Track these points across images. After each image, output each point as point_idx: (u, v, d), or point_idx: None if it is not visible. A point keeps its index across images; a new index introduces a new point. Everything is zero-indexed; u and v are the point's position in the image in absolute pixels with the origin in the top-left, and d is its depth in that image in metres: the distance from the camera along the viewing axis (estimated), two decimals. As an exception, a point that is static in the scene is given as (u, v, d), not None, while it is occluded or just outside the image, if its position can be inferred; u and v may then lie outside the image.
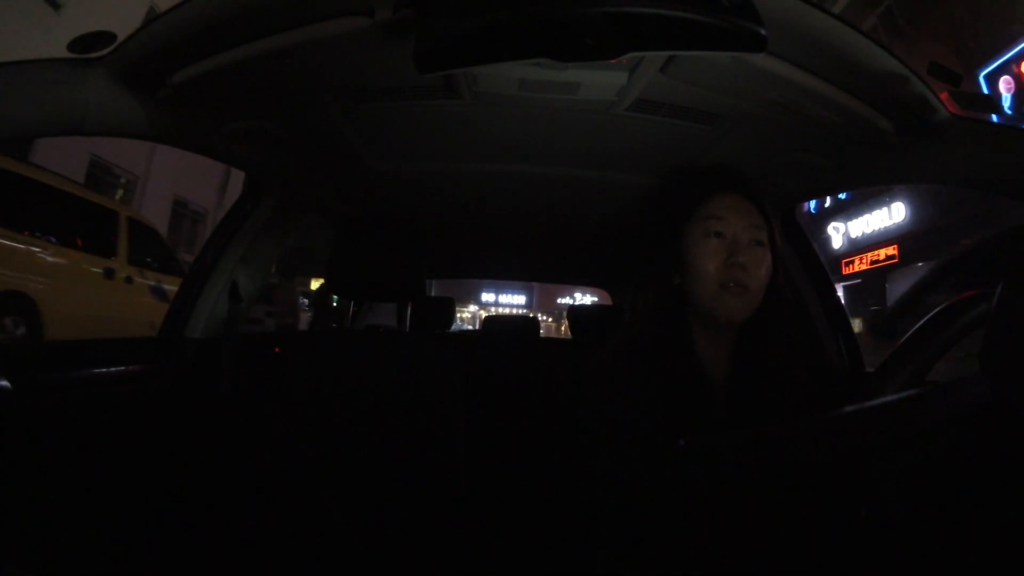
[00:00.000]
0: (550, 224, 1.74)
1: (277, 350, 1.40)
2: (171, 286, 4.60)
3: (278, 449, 1.04)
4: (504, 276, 2.90)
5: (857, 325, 1.48)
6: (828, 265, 1.56)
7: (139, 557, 0.94)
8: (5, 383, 0.75)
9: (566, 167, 1.27)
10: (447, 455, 1.08)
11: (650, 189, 1.32)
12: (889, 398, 0.57)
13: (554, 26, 0.56)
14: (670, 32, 0.56)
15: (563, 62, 0.59)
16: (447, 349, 1.15)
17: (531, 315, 3.53)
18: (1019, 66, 7.31)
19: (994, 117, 0.84)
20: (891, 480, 0.45)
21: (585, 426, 0.74)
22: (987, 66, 7.55)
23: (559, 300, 23.46)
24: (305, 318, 6.93)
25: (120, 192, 8.33)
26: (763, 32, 0.54)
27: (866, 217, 10.13)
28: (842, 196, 9.96)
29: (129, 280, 4.39)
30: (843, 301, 1.39)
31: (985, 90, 7.09)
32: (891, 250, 9.32)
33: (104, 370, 1.06)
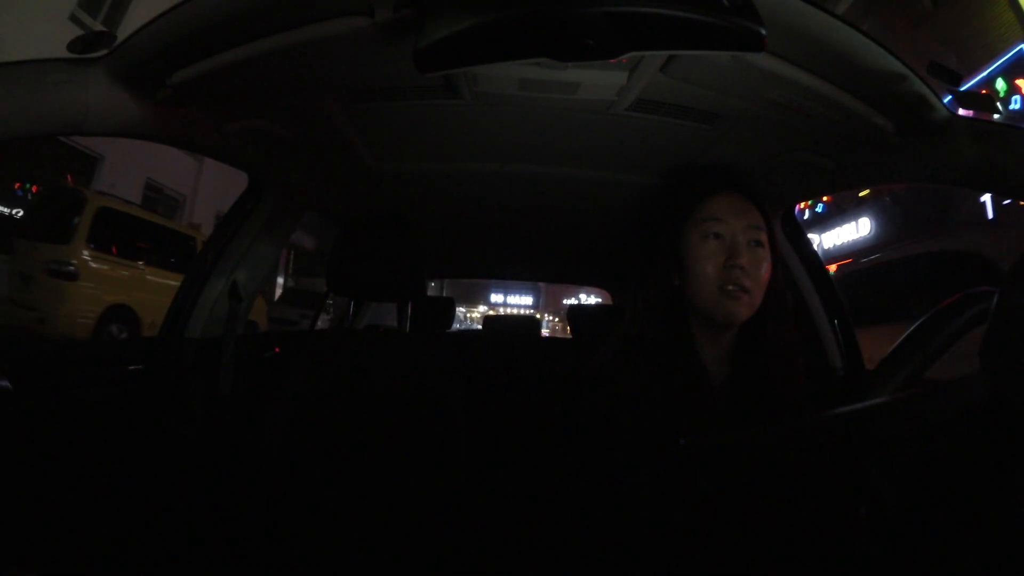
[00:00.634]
0: (550, 224, 1.74)
1: (277, 350, 1.40)
2: None
3: (278, 449, 1.04)
4: (504, 276, 2.91)
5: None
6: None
7: (140, 557, 0.94)
8: (5, 383, 0.75)
9: (566, 167, 1.27)
10: (447, 455, 1.08)
11: (650, 189, 1.31)
12: (889, 398, 0.57)
13: (554, 26, 0.56)
14: (670, 32, 0.56)
15: (563, 62, 0.59)
16: (447, 349, 1.15)
17: (534, 315, 3.54)
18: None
19: (994, 117, 0.84)
20: (891, 480, 0.45)
21: (585, 425, 0.74)
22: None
23: (564, 301, 23.89)
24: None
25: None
26: (763, 32, 0.54)
27: (837, 230, 10.73)
28: (819, 209, 10.47)
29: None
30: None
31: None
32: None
33: (104, 370, 1.06)
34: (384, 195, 1.50)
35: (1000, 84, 7.01)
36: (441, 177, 1.39)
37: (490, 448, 1.20)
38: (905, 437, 0.45)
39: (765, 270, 0.74)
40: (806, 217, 11.32)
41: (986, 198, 7.85)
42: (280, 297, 10.25)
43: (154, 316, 4.60)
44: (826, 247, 10.98)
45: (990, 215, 7.81)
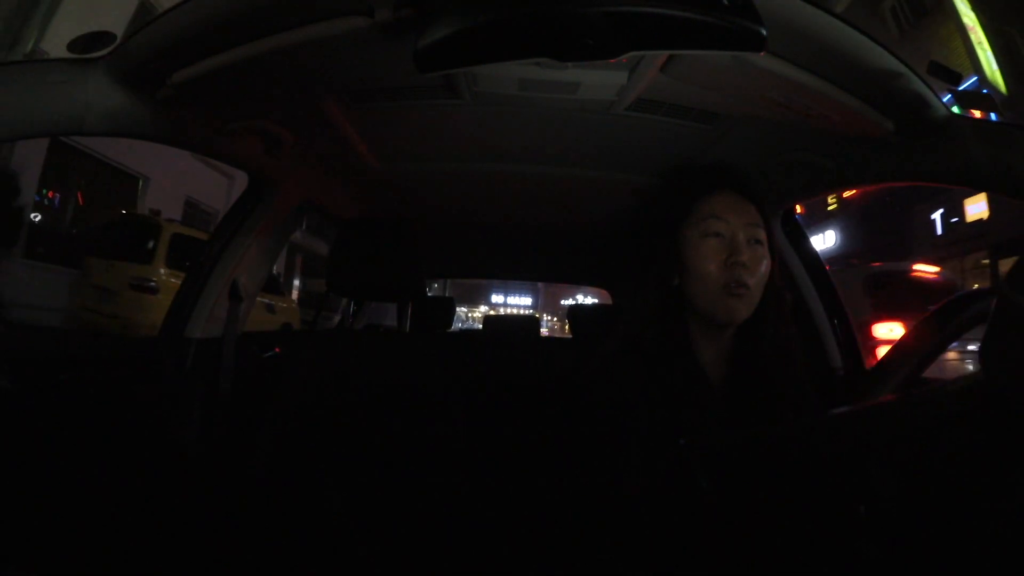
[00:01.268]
0: (550, 224, 1.74)
1: (277, 350, 1.40)
2: (275, 302, 6.91)
3: (278, 449, 1.04)
4: (505, 276, 2.91)
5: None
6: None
7: (140, 557, 0.94)
8: (5, 383, 0.75)
9: (566, 167, 1.27)
10: (447, 455, 1.08)
11: (650, 188, 1.31)
12: (889, 398, 0.57)
13: (554, 26, 0.56)
14: (670, 32, 0.56)
15: (563, 62, 0.59)
16: (447, 349, 1.15)
17: (533, 315, 3.54)
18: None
19: (993, 116, 0.84)
20: (891, 480, 0.45)
21: (585, 425, 0.74)
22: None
23: (562, 301, 24.37)
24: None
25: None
26: (763, 31, 0.54)
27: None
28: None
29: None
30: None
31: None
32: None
33: (104, 370, 1.06)
34: (384, 195, 1.50)
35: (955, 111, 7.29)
36: (441, 177, 1.39)
37: (490, 448, 1.20)
38: (905, 437, 0.45)
39: (765, 268, 0.74)
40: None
41: (936, 216, 8.51)
42: (297, 300, 10.75)
43: None
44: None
45: (939, 231, 8.46)
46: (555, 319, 25.34)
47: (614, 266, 2.25)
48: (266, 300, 6.65)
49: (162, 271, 5.51)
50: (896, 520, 0.44)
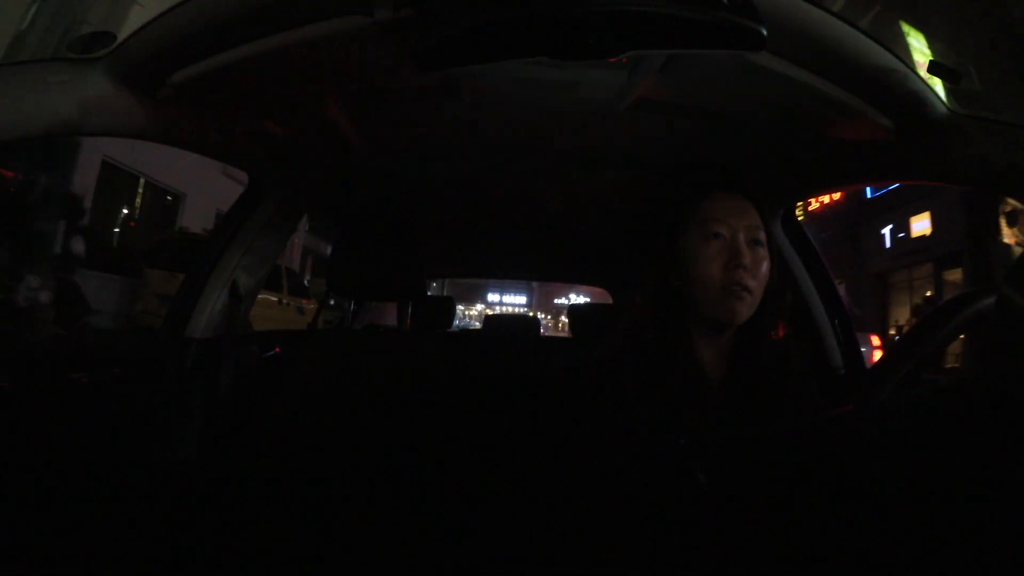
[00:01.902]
0: (551, 223, 1.74)
1: (277, 350, 1.40)
2: (304, 305, 8.00)
3: (278, 448, 1.04)
4: (505, 275, 2.91)
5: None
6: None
7: (140, 557, 0.94)
8: (5, 383, 0.75)
9: (566, 166, 1.27)
10: (447, 454, 1.08)
11: (650, 188, 1.31)
12: (889, 398, 0.57)
13: (554, 25, 0.56)
14: (670, 31, 0.56)
15: (563, 61, 0.59)
16: (447, 348, 1.15)
17: (534, 315, 3.53)
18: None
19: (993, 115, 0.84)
20: (891, 480, 0.45)
21: (585, 425, 0.74)
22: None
23: (556, 300, 24.76)
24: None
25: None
26: (762, 30, 0.54)
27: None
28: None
29: (287, 305, 7.70)
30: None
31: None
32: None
33: (104, 370, 1.06)
34: (384, 195, 1.50)
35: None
36: (442, 177, 1.39)
37: (490, 447, 1.20)
38: (905, 437, 0.45)
39: (766, 269, 0.74)
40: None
41: (886, 231, 9.46)
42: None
43: (264, 324, 6.72)
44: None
45: (888, 245, 9.36)
46: (549, 317, 26.10)
47: (614, 266, 2.25)
48: (296, 303, 7.87)
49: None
50: (896, 520, 0.44)
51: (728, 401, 0.75)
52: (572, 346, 2.32)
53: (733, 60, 0.78)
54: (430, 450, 1.07)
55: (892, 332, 9.28)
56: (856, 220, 10.71)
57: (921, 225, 9.06)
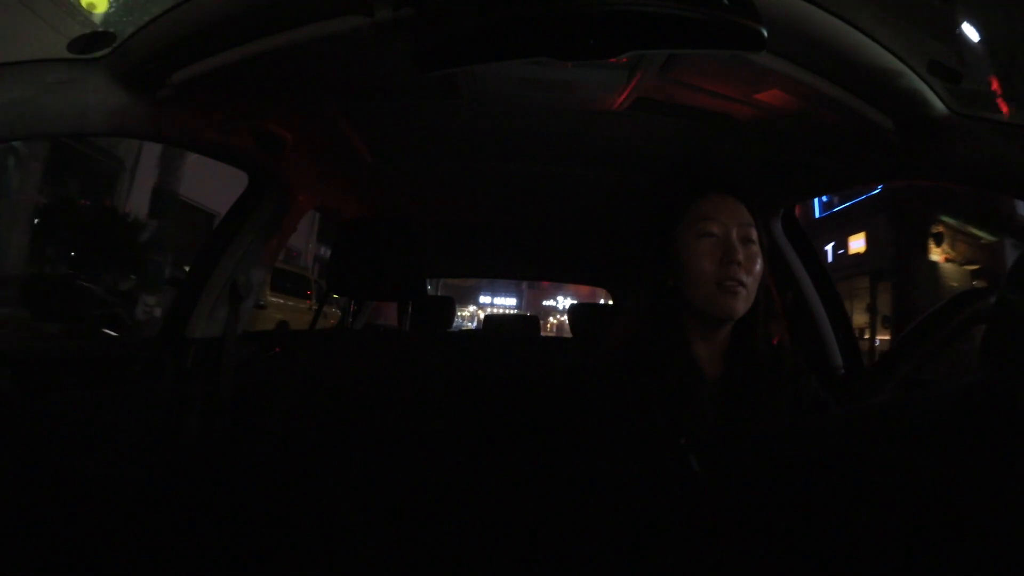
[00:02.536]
0: (551, 223, 1.74)
1: (277, 350, 1.40)
2: (326, 309, 9.21)
3: (278, 449, 1.04)
4: (505, 275, 2.92)
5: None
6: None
7: (140, 557, 0.94)
8: (5, 383, 0.75)
9: (566, 166, 1.27)
10: (446, 454, 1.08)
11: (650, 188, 1.32)
12: (889, 399, 0.57)
13: (554, 25, 0.56)
14: (670, 31, 0.56)
15: (563, 61, 0.59)
16: (447, 349, 1.15)
17: (534, 315, 3.54)
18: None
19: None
20: (891, 479, 0.45)
21: (584, 423, 0.74)
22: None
23: (544, 303, 25.25)
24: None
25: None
26: (762, 31, 0.54)
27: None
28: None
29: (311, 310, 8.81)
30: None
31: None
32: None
33: (104, 370, 1.06)
34: (384, 195, 1.50)
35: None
36: (441, 177, 1.39)
37: (489, 447, 1.20)
38: (905, 437, 0.45)
39: (759, 266, 0.75)
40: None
41: (828, 248, 10.70)
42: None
43: (296, 323, 8.25)
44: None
45: (830, 259, 10.48)
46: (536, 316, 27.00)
47: (614, 265, 2.25)
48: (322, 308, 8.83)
49: (269, 295, 8.12)
50: (897, 520, 0.44)
51: (725, 398, 0.75)
52: (572, 346, 2.32)
53: (734, 60, 0.78)
54: (430, 450, 1.07)
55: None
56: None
57: (857, 244, 10.44)
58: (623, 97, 0.93)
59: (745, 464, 0.53)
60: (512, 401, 1.59)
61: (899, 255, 8.89)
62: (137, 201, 8.91)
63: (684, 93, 0.90)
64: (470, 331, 4.34)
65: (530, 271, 2.91)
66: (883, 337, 9.11)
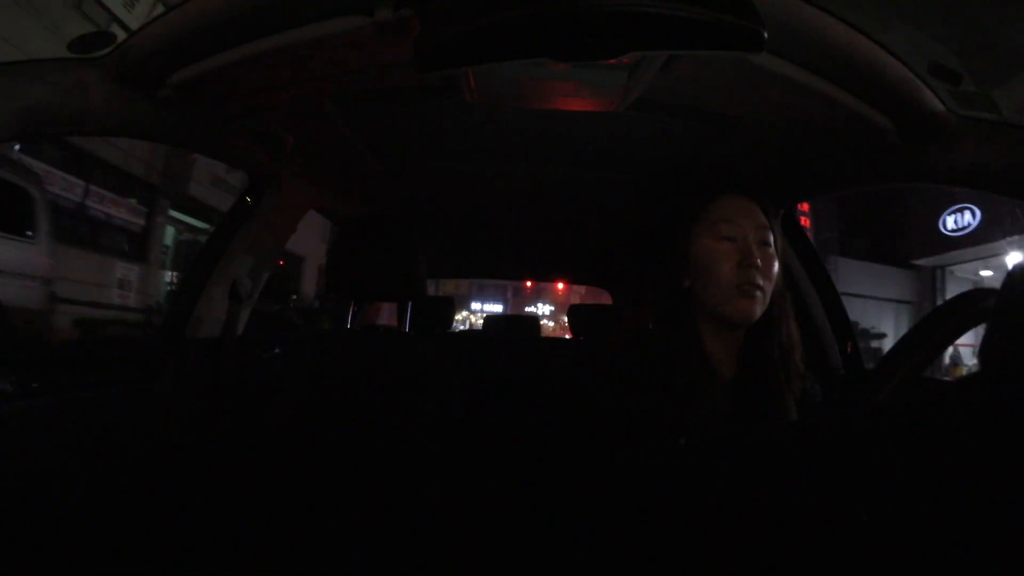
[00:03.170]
0: (551, 223, 1.74)
1: (277, 350, 1.40)
2: None
3: (278, 449, 1.04)
4: (505, 275, 2.91)
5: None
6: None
7: (141, 557, 0.94)
8: (5, 383, 0.75)
9: (566, 166, 1.27)
10: (447, 454, 1.08)
11: (651, 189, 1.31)
12: (889, 399, 0.57)
13: (554, 26, 0.56)
14: (670, 32, 0.56)
15: (563, 61, 0.59)
16: (447, 349, 1.15)
17: (535, 314, 3.53)
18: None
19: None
20: (891, 480, 0.45)
21: (589, 422, 0.74)
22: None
23: (526, 308, 25.88)
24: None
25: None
26: (763, 31, 0.54)
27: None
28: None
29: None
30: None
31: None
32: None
33: (104, 370, 1.06)
34: (384, 195, 1.50)
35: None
36: (441, 177, 1.39)
37: (491, 447, 1.20)
38: (905, 437, 0.45)
39: (775, 269, 0.75)
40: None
41: None
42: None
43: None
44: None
45: None
46: (521, 320, 28.13)
47: (614, 266, 2.25)
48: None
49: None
50: (896, 520, 0.44)
51: (737, 400, 0.75)
52: (572, 346, 2.32)
53: (734, 61, 0.78)
54: (431, 450, 1.07)
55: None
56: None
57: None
58: (623, 97, 0.93)
59: (747, 464, 0.53)
60: (518, 400, 1.59)
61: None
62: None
63: (684, 94, 0.90)
64: (471, 331, 4.34)
65: (530, 271, 2.91)
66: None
